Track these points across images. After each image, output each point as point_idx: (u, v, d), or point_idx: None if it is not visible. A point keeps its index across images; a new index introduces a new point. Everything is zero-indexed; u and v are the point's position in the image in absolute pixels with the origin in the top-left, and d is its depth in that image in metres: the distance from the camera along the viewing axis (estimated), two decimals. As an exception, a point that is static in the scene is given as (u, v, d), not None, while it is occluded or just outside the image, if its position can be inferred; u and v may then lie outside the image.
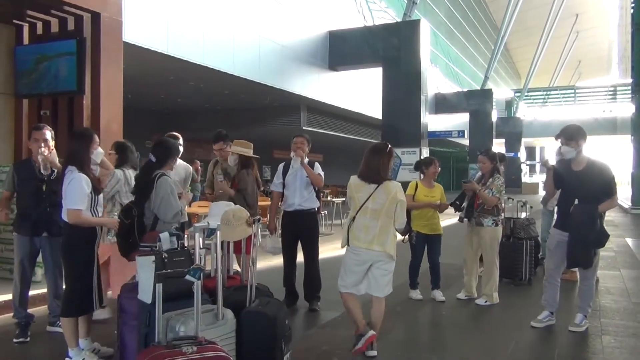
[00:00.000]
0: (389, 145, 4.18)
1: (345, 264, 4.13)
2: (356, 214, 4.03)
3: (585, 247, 4.45)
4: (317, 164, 5.54)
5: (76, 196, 3.65)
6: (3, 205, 4.51)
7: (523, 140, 39.82)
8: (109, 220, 4.16)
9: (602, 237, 4.53)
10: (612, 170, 4.60)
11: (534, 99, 47.46)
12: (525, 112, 44.59)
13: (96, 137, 3.95)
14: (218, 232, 3.51)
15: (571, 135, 4.57)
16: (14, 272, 4.43)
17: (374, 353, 3.97)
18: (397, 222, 4.03)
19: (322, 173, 5.49)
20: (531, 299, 5.86)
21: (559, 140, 4.67)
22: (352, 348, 3.99)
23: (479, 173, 6.06)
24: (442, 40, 34.68)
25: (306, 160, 5.41)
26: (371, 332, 3.96)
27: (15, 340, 4.21)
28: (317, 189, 5.51)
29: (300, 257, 5.58)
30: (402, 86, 18.03)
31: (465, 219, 5.83)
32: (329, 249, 8.93)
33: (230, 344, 3.28)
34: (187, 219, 5.52)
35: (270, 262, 6.82)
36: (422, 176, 6.03)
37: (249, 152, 5.37)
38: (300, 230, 5.46)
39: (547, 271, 4.95)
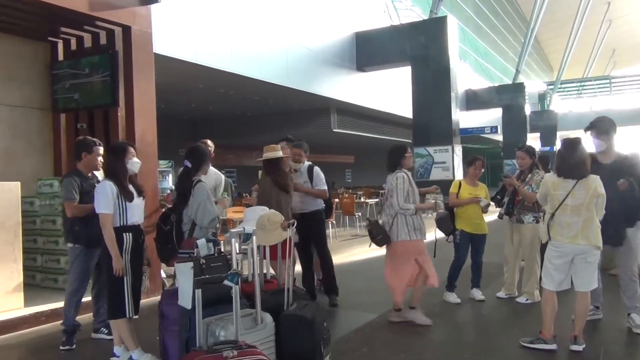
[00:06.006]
0: (581, 139, 4.15)
1: (548, 259, 4.16)
2: (555, 211, 4.04)
3: (614, 222, 4.29)
4: (316, 171, 5.62)
5: (98, 201, 3.78)
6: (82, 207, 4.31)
7: (558, 133, 38.97)
8: (115, 254, 3.74)
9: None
10: None
11: (567, 91, 46.35)
12: (560, 104, 43.61)
13: (130, 149, 4.01)
14: (254, 237, 3.54)
15: (601, 129, 4.52)
16: (67, 281, 4.52)
17: (579, 348, 4.03)
18: (598, 214, 3.98)
19: (322, 178, 5.63)
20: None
21: (590, 134, 4.58)
22: (527, 342, 4.16)
23: (518, 169, 5.94)
24: (470, 35, 34.24)
25: (305, 165, 5.64)
26: (554, 346, 4.07)
27: (61, 347, 4.32)
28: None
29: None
30: (432, 84, 17.86)
31: (506, 216, 5.74)
32: (361, 252, 8.89)
33: (270, 348, 3.30)
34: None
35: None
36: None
37: (271, 155, 5.17)
38: (308, 230, 5.44)
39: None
